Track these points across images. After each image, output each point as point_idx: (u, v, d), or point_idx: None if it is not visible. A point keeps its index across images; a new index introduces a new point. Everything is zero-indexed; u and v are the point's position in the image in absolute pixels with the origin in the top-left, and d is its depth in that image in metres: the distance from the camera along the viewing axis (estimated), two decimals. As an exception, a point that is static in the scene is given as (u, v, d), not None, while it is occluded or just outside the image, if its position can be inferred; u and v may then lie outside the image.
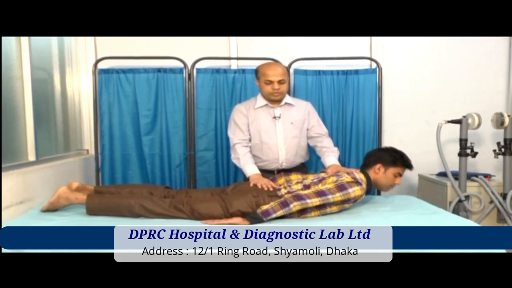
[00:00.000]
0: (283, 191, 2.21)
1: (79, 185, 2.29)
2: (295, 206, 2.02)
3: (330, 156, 2.53)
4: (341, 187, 2.10)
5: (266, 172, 2.56)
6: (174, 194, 2.29)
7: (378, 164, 2.32)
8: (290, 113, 2.56)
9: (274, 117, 2.53)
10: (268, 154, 2.54)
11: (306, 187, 2.22)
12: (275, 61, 3.03)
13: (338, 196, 2.08)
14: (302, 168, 2.67)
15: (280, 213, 2.00)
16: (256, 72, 2.55)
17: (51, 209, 2.15)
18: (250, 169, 2.47)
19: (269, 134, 2.53)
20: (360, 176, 2.21)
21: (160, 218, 2.06)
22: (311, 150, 2.73)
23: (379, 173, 2.31)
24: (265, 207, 2.01)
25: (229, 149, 3.07)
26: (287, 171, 2.57)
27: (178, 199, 2.15)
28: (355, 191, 2.12)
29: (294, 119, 2.56)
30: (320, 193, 2.07)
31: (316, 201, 2.05)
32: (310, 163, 2.98)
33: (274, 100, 2.52)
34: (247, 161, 2.50)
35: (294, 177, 2.38)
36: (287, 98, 2.58)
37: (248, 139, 2.56)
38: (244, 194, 2.15)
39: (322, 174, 2.35)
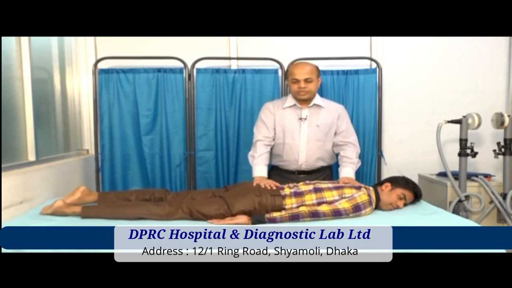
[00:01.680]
0: (287, 190, 2.19)
1: (85, 189, 2.28)
2: (304, 220, 2.03)
3: (347, 167, 2.50)
4: (357, 208, 2.09)
5: (287, 172, 2.56)
6: (174, 196, 2.29)
7: (388, 183, 2.30)
8: (318, 115, 2.52)
9: (300, 118, 2.51)
10: (289, 154, 2.53)
11: (318, 190, 2.18)
12: (276, 62, 3.05)
13: (350, 216, 2.09)
14: (325, 170, 2.62)
15: (286, 223, 2.00)
16: (286, 71, 2.59)
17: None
18: (258, 171, 2.45)
19: (293, 135, 2.51)
20: (373, 196, 2.19)
21: None
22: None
23: (385, 190, 2.27)
24: (275, 214, 2.01)
25: (229, 149, 3.10)
26: (307, 173, 2.55)
27: (177, 202, 2.12)
28: (366, 211, 2.12)
29: (320, 122, 2.51)
30: (336, 213, 2.06)
31: (329, 218, 2.06)
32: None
33: (302, 99, 2.49)
34: (259, 162, 2.48)
35: (303, 186, 2.25)
36: (317, 99, 2.53)
37: (272, 137, 2.53)
38: (246, 194, 2.14)
39: (340, 182, 2.31)
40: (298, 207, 2.08)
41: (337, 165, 2.73)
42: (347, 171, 2.49)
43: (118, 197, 2.29)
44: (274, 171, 2.63)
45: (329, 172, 2.67)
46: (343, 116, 2.58)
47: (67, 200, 2.19)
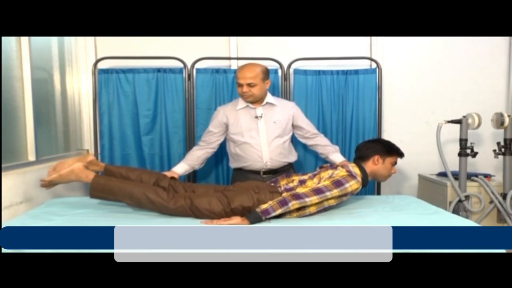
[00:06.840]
0: (282, 185, 2.25)
1: (93, 159, 2.31)
2: (293, 204, 2.02)
3: (336, 153, 2.62)
4: (337, 183, 2.11)
5: (251, 173, 2.56)
6: (178, 184, 2.31)
7: (376, 156, 2.31)
8: (273, 112, 2.55)
9: (256, 117, 2.52)
10: (252, 153, 2.53)
11: (302, 182, 2.24)
12: (276, 62, 3.05)
13: (335, 192, 2.09)
14: (289, 169, 2.65)
15: (279, 211, 2.00)
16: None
17: (56, 181, 2.17)
18: (176, 166, 2.56)
19: (251, 134, 2.52)
20: (355, 170, 2.21)
21: (156, 212, 2.11)
22: (304, 151, 2.70)
23: (378, 164, 2.31)
24: (264, 206, 2.01)
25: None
26: (273, 172, 2.56)
27: (181, 193, 2.16)
28: (351, 185, 2.13)
29: (277, 119, 2.54)
30: (317, 191, 2.07)
31: (314, 199, 2.05)
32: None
33: (246, 101, 2.52)
34: (183, 160, 2.60)
35: (296, 177, 2.35)
36: (269, 98, 2.56)
37: (210, 143, 2.59)
38: (246, 191, 2.16)
39: (318, 169, 2.34)
40: None
41: (298, 163, 2.81)
42: (339, 156, 2.59)
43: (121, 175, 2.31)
44: (238, 173, 2.64)
45: (292, 171, 2.69)
46: (300, 114, 2.65)
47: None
